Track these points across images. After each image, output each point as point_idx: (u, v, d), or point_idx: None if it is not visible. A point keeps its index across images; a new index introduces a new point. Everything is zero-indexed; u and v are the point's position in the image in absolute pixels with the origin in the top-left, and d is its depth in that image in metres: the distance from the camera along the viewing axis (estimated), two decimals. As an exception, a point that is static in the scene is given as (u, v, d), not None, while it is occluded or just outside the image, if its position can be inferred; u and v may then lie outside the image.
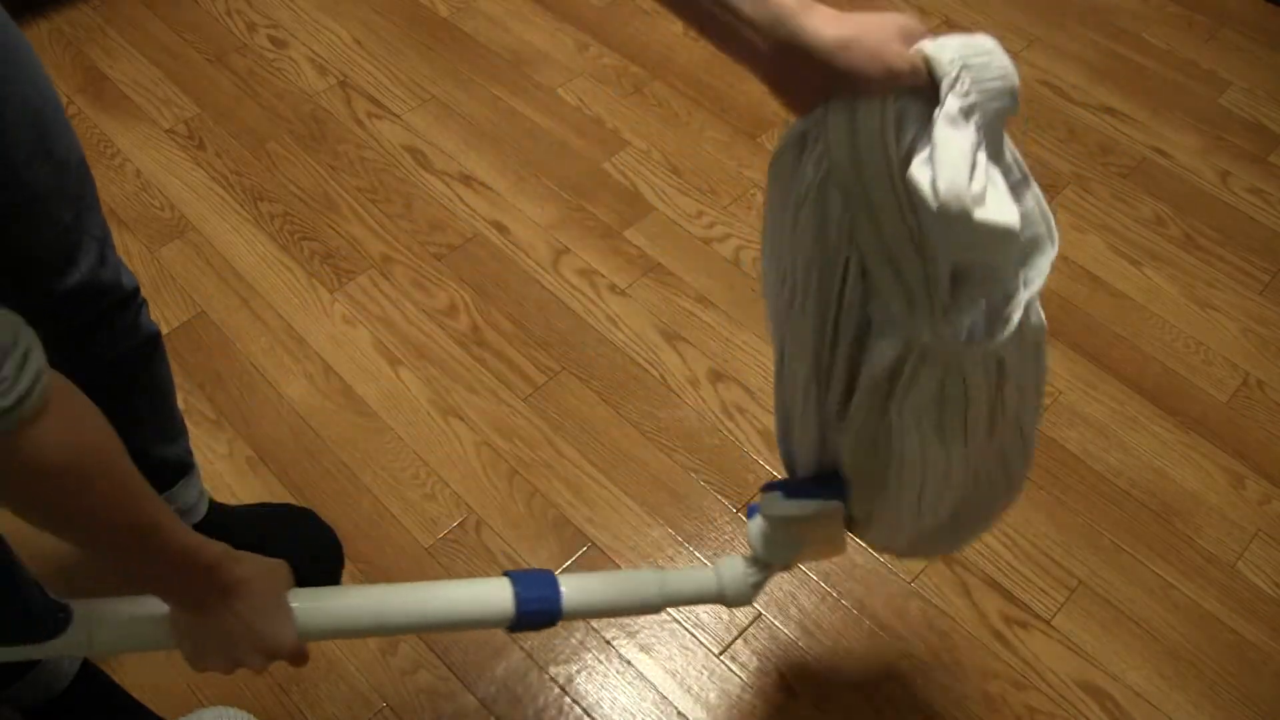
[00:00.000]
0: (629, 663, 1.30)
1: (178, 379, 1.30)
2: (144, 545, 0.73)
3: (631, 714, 1.26)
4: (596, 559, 1.39)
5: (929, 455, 0.82)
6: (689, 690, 1.28)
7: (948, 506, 0.90)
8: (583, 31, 2.10)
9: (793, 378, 0.85)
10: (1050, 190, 1.85)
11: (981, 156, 0.69)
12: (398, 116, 1.93)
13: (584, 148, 1.89)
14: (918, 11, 2.16)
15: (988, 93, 0.69)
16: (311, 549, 1.37)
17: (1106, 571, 1.39)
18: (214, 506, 1.31)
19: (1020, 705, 1.27)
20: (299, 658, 0.84)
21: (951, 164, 0.67)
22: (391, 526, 1.41)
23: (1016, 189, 0.75)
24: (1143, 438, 1.53)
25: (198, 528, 1.27)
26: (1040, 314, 0.80)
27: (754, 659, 1.31)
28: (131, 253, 1.70)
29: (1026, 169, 0.76)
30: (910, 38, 0.70)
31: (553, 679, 1.29)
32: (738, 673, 1.30)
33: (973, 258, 0.72)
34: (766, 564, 1.00)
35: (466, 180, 1.83)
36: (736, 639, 1.32)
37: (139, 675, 1.25)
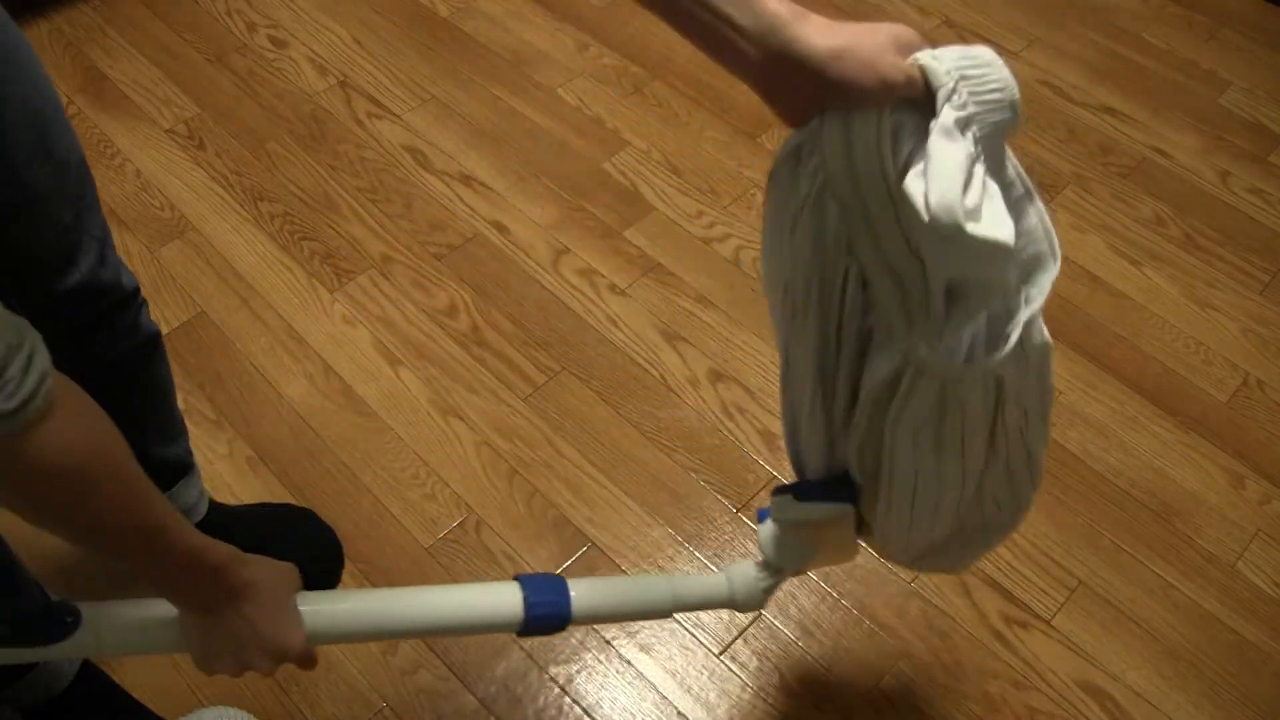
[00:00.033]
0: (629, 663, 1.30)
1: (178, 379, 1.30)
2: (150, 547, 0.72)
3: (631, 714, 1.26)
4: (596, 559, 1.39)
5: (922, 471, 0.81)
6: (689, 690, 1.28)
7: (945, 523, 0.88)
8: (583, 31, 2.10)
9: (799, 383, 0.84)
10: (1050, 190, 1.85)
11: (978, 170, 0.68)
12: (398, 116, 1.93)
13: (584, 148, 1.89)
14: (917, 11, 2.16)
15: (986, 105, 0.68)
16: (311, 549, 1.37)
17: (1106, 571, 1.39)
18: (214, 506, 1.31)
19: (1020, 705, 1.27)
20: (307, 661, 0.84)
21: (945, 176, 0.65)
22: (391, 526, 1.41)
23: (1019, 204, 0.74)
24: (1143, 438, 1.53)
25: (197, 528, 1.27)
26: (1044, 333, 0.78)
27: (754, 659, 1.31)
28: (131, 253, 1.70)
29: (1030, 184, 0.75)
30: (906, 48, 0.68)
31: (553, 679, 1.29)
32: (738, 673, 1.30)
33: (967, 273, 0.71)
34: (778, 569, 0.99)
35: (466, 180, 1.83)
36: (736, 639, 1.32)
37: (139, 675, 1.25)
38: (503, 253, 1.73)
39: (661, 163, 1.87)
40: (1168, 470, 1.49)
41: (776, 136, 1.91)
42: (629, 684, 1.29)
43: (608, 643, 1.32)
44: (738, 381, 1.57)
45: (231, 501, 1.40)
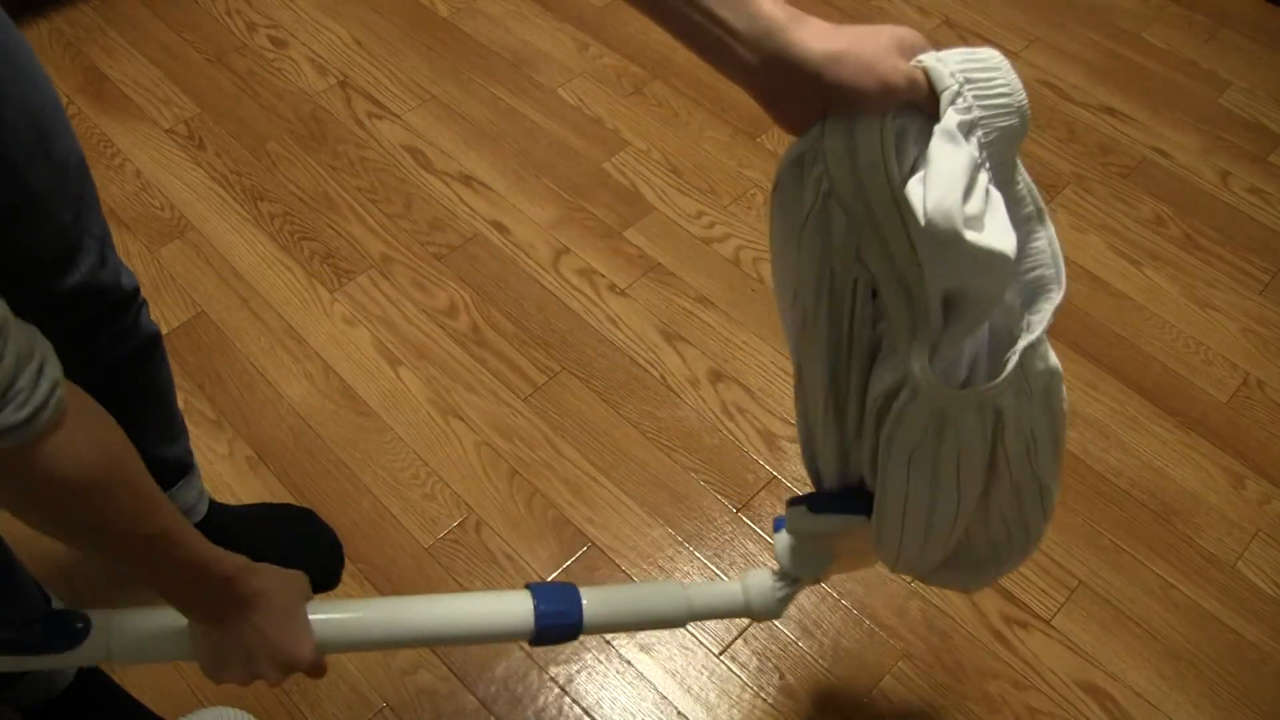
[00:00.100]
0: (629, 663, 1.30)
1: (178, 379, 1.31)
2: (160, 556, 0.72)
3: (631, 714, 1.26)
4: (596, 559, 1.39)
5: (913, 490, 0.79)
6: (689, 690, 1.28)
7: (941, 544, 0.86)
8: (583, 31, 2.10)
9: (811, 392, 0.81)
10: (1050, 190, 1.85)
11: (982, 177, 0.65)
12: (398, 116, 1.93)
13: (584, 148, 1.89)
14: (917, 11, 2.16)
15: (992, 109, 0.66)
16: (311, 549, 1.37)
17: (1106, 571, 1.39)
18: (214, 506, 1.31)
19: (1020, 705, 1.27)
20: (316, 670, 0.84)
21: (944, 181, 0.63)
22: (391, 526, 1.41)
23: (1027, 223, 0.72)
24: (1143, 438, 1.53)
25: (197, 528, 1.27)
26: (1051, 359, 0.76)
27: (754, 659, 1.31)
28: (131, 253, 1.70)
29: (1042, 205, 0.72)
30: (910, 51, 0.66)
31: (553, 679, 1.29)
32: (738, 673, 1.30)
33: (964, 284, 0.68)
34: (794, 578, 0.98)
35: (466, 180, 1.83)
36: (736, 639, 1.32)
37: (139, 675, 1.25)
38: (503, 253, 1.73)
39: (661, 163, 1.87)
40: (1168, 470, 1.49)
41: (776, 137, 1.91)
42: (629, 684, 1.29)
43: (608, 643, 1.32)
44: (738, 381, 1.57)
45: (231, 501, 1.40)
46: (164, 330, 1.42)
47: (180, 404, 1.23)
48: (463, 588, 1.36)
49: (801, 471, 1.47)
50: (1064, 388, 0.79)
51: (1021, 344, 0.71)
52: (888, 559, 0.89)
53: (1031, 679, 1.30)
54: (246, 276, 1.68)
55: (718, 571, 1.39)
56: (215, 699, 1.25)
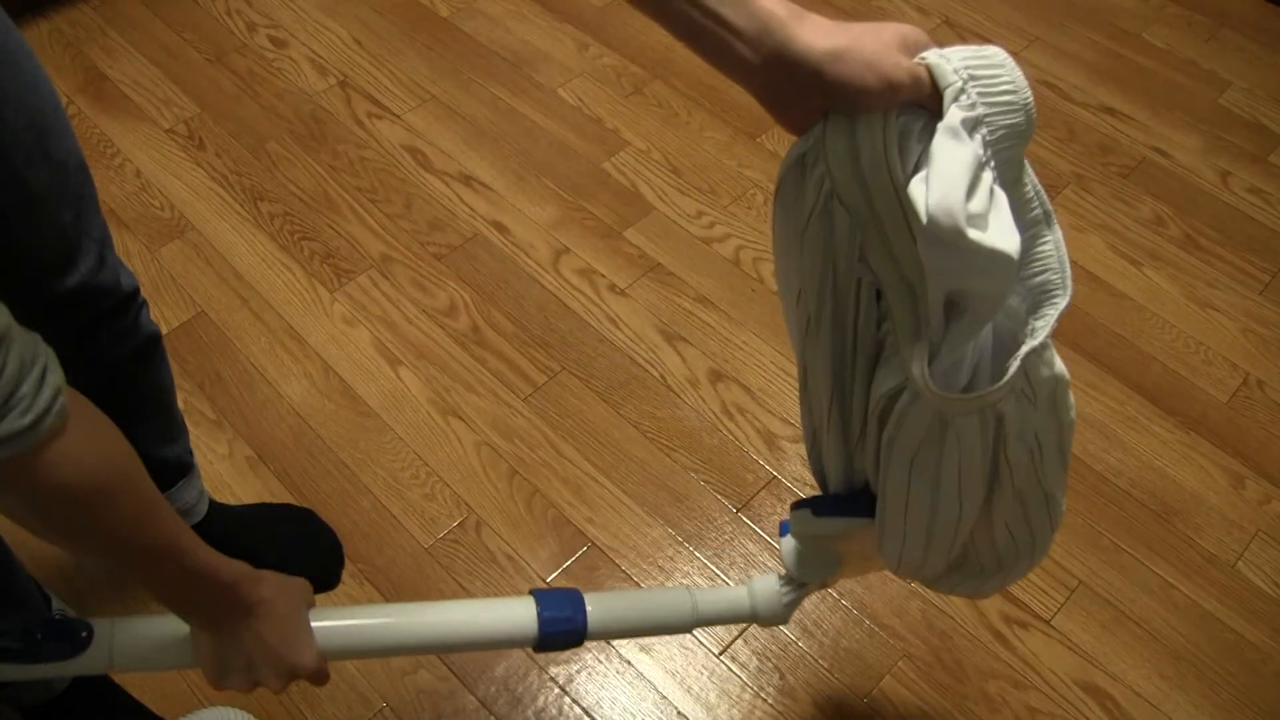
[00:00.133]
0: (629, 663, 1.30)
1: (178, 379, 1.31)
2: (162, 564, 0.72)
3: (631, 714, 1.26)
4: (596, 559, 1.39)
5: (914, 495, 0.78)
6: (689, 690, 1.28)
7: (942, 551, 0.85)
8: (583, 31, 2.10)
9: (816, 394, 0.80)
10: (1050, 190, 1.85)
11: (987, 175, 0.64)
12: (398, 116, 1.93)
13: (584, 148, 1.89)
14: (917, 11, 2.16)
15: (997, 106, 0.64)
16: (311, 549, 1.37)
17: (1106, 571, 1.39)
18: (214, 506, 1.31)
19: (1020, 705, 1.27)
20: (319, 677, 0.83)
21: (947, 178, 0.61)
22: (391, 526, 1.41)
23: (1034, 225, 0.70)
24: (1143, 438, 1.53)
25: (197, 528, 1.27)
26: (1057, 365, 0.74)
27: (754, 659, 1.31)
28: (131, 253, 1.70)
29: (1050, 208, 0.71)
30: (913, 48, 0.65)
31: (553, 679, 1.29)
32: (738, 673, 1.30)
33: (966, 285, 0.66)
34: (801, 583, 0.97)
35: (466, 180, 1.83)
36: (736, 639, 1.32)
37: (139, 675, 1.25)
38: (503, 253, 1.73)
39: (661, 163, 1.87)
40: (1168, 470, 1.49)
41: (777, 137, 1.91)
42: (629, 684, 1.29)
43: (608, 643, 1.32)
44: (738, 381, 1.57)
45: (231, 501, 1.40)
46: (164, 330, 1.42)
47: (180, 404, 1.23)
48: (463, 588, 1.36)
49: (801, 471, 1.47)
50: (1071, 395, 0.77)
51: (1024, 349, 0.70)
52: (890, 562, 0.88)
53: (1031, 679, 1.30)
54: (246, 276, 1.68)
55: (718, 571, 1.39)
56: (215, 699, 1.25)
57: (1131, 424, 1.54)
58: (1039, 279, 0.72)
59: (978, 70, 0.64)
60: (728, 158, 1.88)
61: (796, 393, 0.86)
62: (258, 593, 0.79)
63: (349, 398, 1.54)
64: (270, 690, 0.82)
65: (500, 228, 1.76)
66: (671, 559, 1.40)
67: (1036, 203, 0.71)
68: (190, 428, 1.27)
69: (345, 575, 1.36)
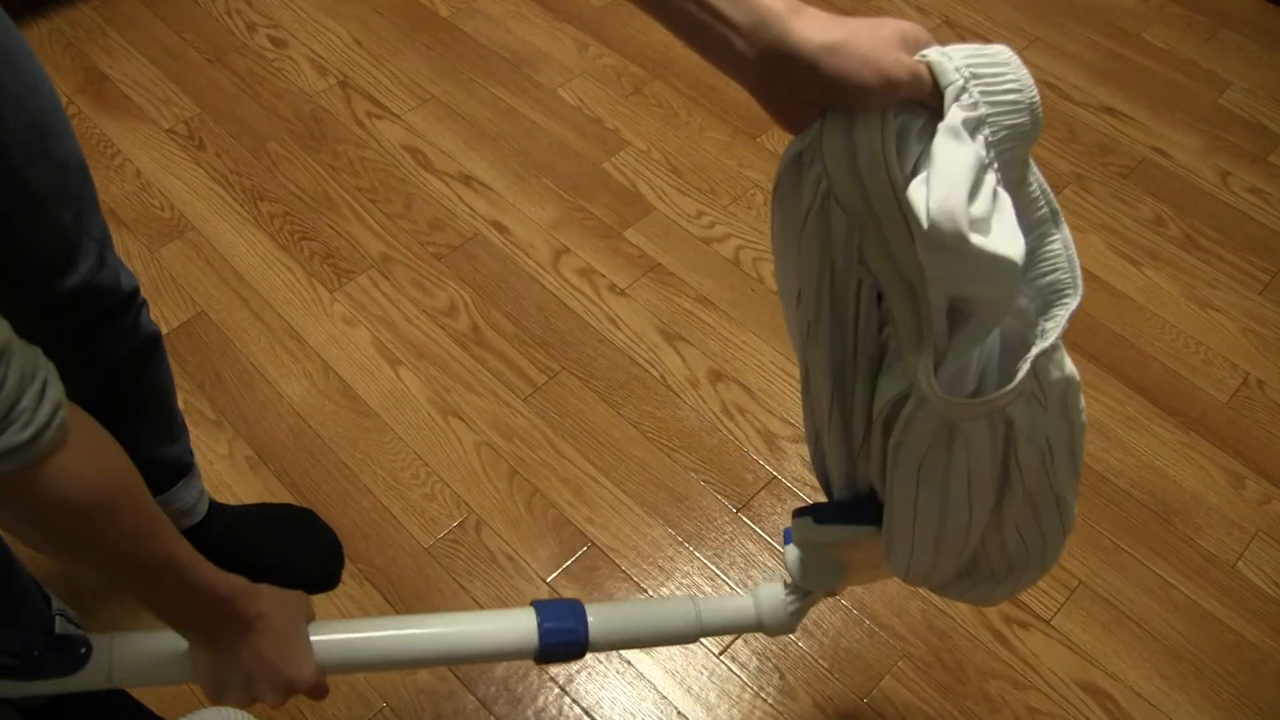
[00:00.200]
0: (629, 663, 1.30)
1: (178, 379, 1.31)
2: (161, 579, 0.72)
3: (631, 714, 1.26)
4: (596, 559, 1.39)
5: (922, 501, 0.76)
6: (689, 690, 1.28)
7: (952, 558, 0.83)
8: (583, 31, 2.10)
9: (817, 398, 0.79)
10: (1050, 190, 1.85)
11: (990, 177, 0.62)
12: (398, 116, 1.93)
13: (584, 148, 1.89)
14: (917, 11, 2.16)
15: (1000, 106, 0.63)
16: (311, 549, 1.37)
17: (1106, 571, 1.39)
18: (214, 507, 1.31)
19: (1020, 705, 1.27)
20: (317, 691, 0.83)
21: (948, 180, 0.60)
22: (391, 526, 1.41)
23: (1041, 225, 0.69)
24: (1143, 438, 1.53)
25: (197, 528, 1.27)
26: (1067, 367, 0.73)
27: (754, 659, 1.31)
28: (131, 253, 1.70)
29: (1057, 206, 0.69)
30: (912, 45, 0.63)
31: (552, 679, 1.29)
32: (738, 673, 1.30)
33: (969, 292, 0.65)
34: (806, 591, 0.95)
35: (466, 180, 1.83)
36: (736, 639, 1.32)
37: (139, 675, 1.25)
38: (503, 253, 1.73)
39: (661, 163, 1.87)
40: (1168, 470, 1.49)
41: (777, 137, 1.91)
42: (629, 684, 1.29)
43: (608, 643, 1.32)
44: (738, 381, 1.57)
45: (231, 501, 1.40)
46: (164, 330, 1.42)
47: (180, 404, 1.23)
48: (463, 588, 1.36)
49: (802, 471, 1.47)
50: (1082, 397, 0.76)
51: (1034, 351, 0.68)
52: (898, 570, 0.86)
53: (1031, 679, 1.30)
54: (246, 276, 1.68)
55: (718, 571, 1.39)
56: (215, 699, 1.25)
57: (1131, 424, 1.54)
58: (1048, 279, 0.70)
59: (980, 69, 0.63)
60: (728, 157, 1.88)
61: (797, 393, 0.85)
62: (256, 607, 0.78)
63: (349, 398, 1.54)
64: (269, 705, 0.81)
65: (500, 228, 1.76)
66: (671, 559, 1.40)
67: (1043, 202, 0.69)
68: (190, 428, 1.27)
69: (345, 575, 1.36)
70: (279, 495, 1.43)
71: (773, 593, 0.96)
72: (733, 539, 1.42)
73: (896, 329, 0.69)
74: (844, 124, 0.63)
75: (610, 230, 1.76)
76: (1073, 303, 0.69)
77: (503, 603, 1.34)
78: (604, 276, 1.69)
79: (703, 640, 1.31)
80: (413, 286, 1.67)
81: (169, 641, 0.81)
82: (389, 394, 1.54)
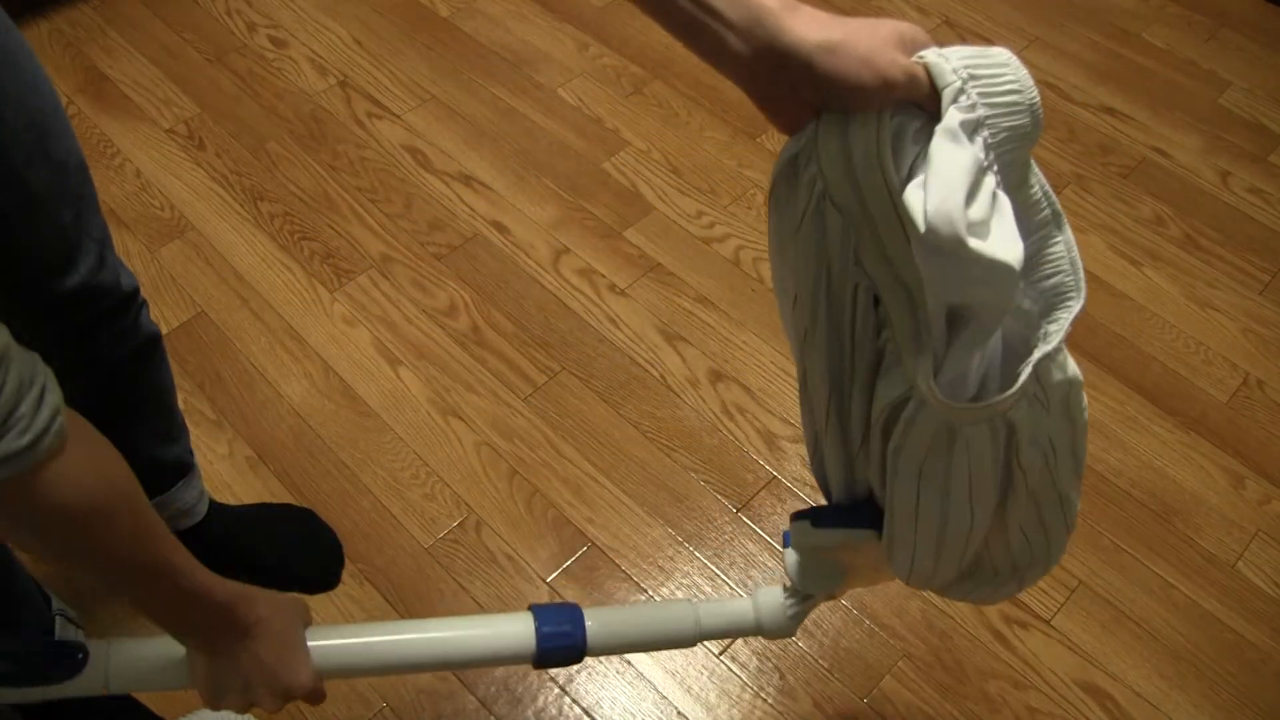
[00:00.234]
0: (629, 663, 1.30)
1: (178, 379, 1.30)
2: (159, 584, 0.72)
3: (631, 714, 1.26)
4: (596, 559, 1.39)
5: (923, 504, 0.75)
6: (689, 690, 1.28)
7: (954, 559, 0.82)
8: (583, 31, 2.10)
9: (815, 401, 0.78)
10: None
11: (989, 180, 0.62)
12: (398, 116, 1.93)
13: (584, 148, 1.89)
14: (916, 11, 2.16)
15: (999, 108, 0.62)
16: (311, 549, 1.37)
17: (1106, 571, 1.39)
18: (214, 507, 1.31)
19: (1020, 705, 1.28)
20: (314, 696, 0.83)
21: (946, 183, 0.59)
22: (391, 526, 1.41)
23: (1044, 227, 0.68)
24: (1143, 438, 1.53)
25: (197, 528, 1.27)
26: (1070, 368, 0.72)
27: (754, 659, 1.31)
28: (131, 253, 1.70)
29: (1059, 208, 0.68)
30: (909, 45, 0.62)
31: (552, 679, 1.29)
32: (738, 673, 1.30)
33: (967, 297, 0.64)
34: (806, 594, 0.95)
35: (466, 180, 1.83)
36: (736, 639, 1.32)
37: (139, 675, 1.25)
38: (503, 253, 1.73)
39: (661, 163, 1.87)
40: (1168, 470, 1.49)
41: (776, 137, 1.91)
42: (629, 684, 1.29)
43: (608, 643, 1.32)
44: (738, 381, 1.57)
45: (231, 501, 1.40)
46: (164, 330, 1.42)
47: (180, 404, 1.23)
48: (463, 588, 1.36)
49: (802, 472, 1.47)
50: (1085, 396, 0.76)
51: (1036, 355, 0.68)
52: (901, 574, 0.85)
53: (1031, 679, 1.30)
54: (246, 276, 1.68)
55: (717, 571, 1.39)
56: (215, 699, 1.25)
57: (1131, 424, 1.54)
58: (1051, 281, 0.70)
59: (978, 70, 0.62)
60: (728, 157, 1.88)
61: (796, 392, 0.84)
62: (254, 612, 0.78)
63: (349, 398, 1.54)
64: (266, 711, 0.81)
65: (500, 228, 1.76)
66: (671, 559, 1.40)
67: (1045, 204, 0.68)
68: (190, 428, 1.27)
69: (345, 575, 1.36)
70: (279, 495, 1.43)
71: (772, 596, 0.96)
72: (733, 539, 1.42)
73: (894, 333, 0.68)
74: (840, 125, 0.62)
75: (610, 230, 1.76)
76: (1076, 305, 0.69)
77: (503, 602, 1.35)
78: (604, 276, 1.69)
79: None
80: (413, 286, 1.67)
81: (166, 647, 0.81)
82: (389, 394, 1.54)
